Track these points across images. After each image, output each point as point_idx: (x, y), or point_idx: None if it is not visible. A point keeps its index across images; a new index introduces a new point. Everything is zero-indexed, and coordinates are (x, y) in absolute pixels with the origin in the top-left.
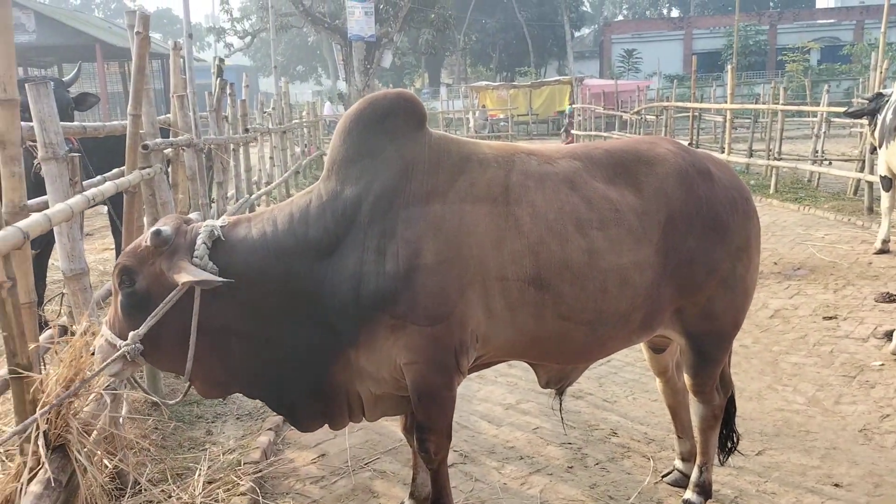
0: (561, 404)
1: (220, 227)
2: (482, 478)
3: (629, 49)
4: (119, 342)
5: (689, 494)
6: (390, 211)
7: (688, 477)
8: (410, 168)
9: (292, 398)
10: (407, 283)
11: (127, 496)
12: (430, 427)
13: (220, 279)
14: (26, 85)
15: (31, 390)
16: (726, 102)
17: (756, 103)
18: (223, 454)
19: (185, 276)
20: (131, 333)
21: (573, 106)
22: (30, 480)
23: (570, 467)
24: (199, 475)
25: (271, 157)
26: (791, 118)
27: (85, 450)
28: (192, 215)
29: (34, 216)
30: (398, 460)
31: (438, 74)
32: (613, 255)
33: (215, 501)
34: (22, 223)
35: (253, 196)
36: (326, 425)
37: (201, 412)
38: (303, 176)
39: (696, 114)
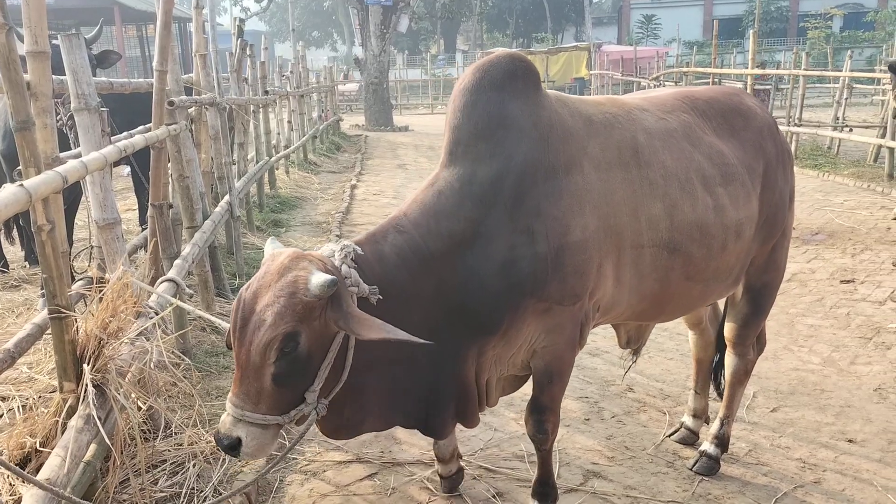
0: (635, 362)
1: (350, 243)
2: (501, 428)
3: (648, 15)
4: (291, 413)
5: (706, 446)
6: (533, 186)
7: (695, 434)
8: (546, 136)
9: (427, 409)
10: (557, 264)
11: (159, 437)
12: (551, 407)
13: (414, 337)
14: (59, 36)
15: (71, 330)
16: (747, 68)
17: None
18: None
19: (378, 332)
20: (310, 392)
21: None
22: (67, 418)
23: (587, 419)
24: None
25: (289, 122)
26: (812, 85)
27: (122, 390)
28: (320, 249)
29: (71, 162)
30: None
31: (454, 41)
32: (734, 211)
33: None
34: (60, 168)
35: (272, 159)
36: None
37: (227, 363)
38: (320, 141)
39: (717, 80)
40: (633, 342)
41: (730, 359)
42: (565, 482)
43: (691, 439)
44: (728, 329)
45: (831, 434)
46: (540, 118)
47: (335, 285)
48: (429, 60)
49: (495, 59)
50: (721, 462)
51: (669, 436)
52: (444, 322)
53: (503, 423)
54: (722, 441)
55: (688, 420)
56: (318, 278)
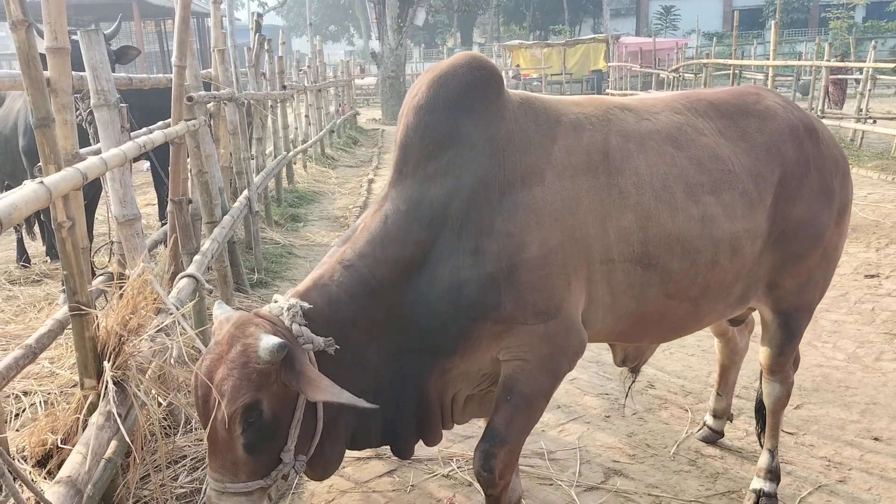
0: (633, 382)
1: (296, 301)
2: None
3: (667, 6)
4: (275, 472)
5: (759, 483)
6: (486, 204)
7: (718, 433)
8: (502, 149)
9: (396, 430)
10: (511, 283)
11: (179, 433)
12: (504, 437)
13: (363, 402)
14: (78, 32)
15: (92, 327)
16: (767, 60)
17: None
18: None
19: (325, 394)
20: (285, 452)
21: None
22: (88, 414)
23: (608, 416)
24: None
25: (307, 116)
26: (834, 76)
27: (142, 387)
28: (266, 308)
29: (91, 159)
30: None
31: (471, 33)
32: (727, 223)
33: None
34: (80, 164)
35: (290, 154)
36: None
37: None
38: (337, 135)
39: (737, 71)
40: (629, 360)
41: (770, 387)
42: (586, 480)
43: (714, 438)
44: (764, 356)
45: (857, 432)
46: (497, 131)
47: (285, 349)
48: (445, 54)
49: (451, 69)
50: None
51: (695, 433)
52: (404, 346)
53: None
54: (775, 474)
55: (710, 420)
56: (267, 343)
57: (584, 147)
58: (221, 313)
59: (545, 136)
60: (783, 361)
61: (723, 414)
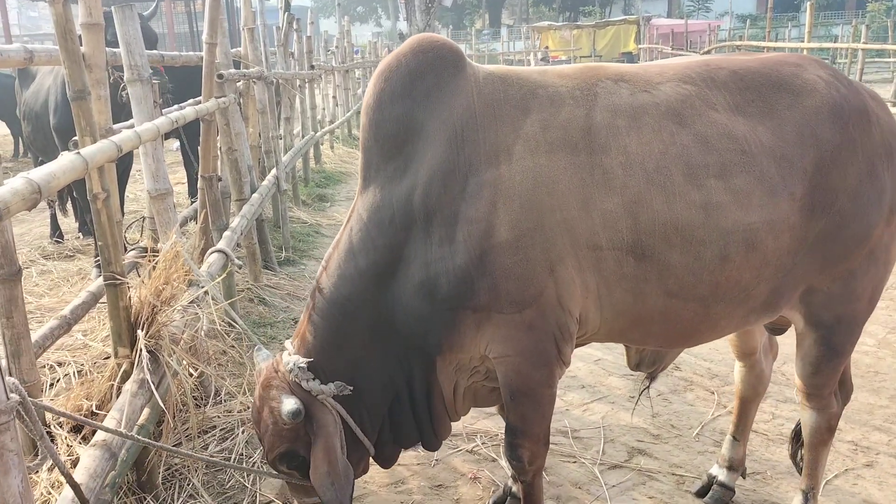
0: (649, 388)
1: (293, 361)
2: None
3: None
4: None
5: None
6: (446, 192)
7: (730, 491)
8: (461, 129)
9: (421, 427)
10: (482, 269)
11: (209, 404)
12: (524, 431)
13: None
14: (113, 8)
15: (126, 297)
16: (802, 42)
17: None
18: None
19: (316, 479)
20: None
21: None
22: (122, 382)
23: (632, 397)
24: None
25: (334, 97)
26: (871, 60)
27: (175, 356)
28: (283, 358)
29: (125, 132)
30: None
31: (499, 15)
32: (740, 211)
33: None
34: (115, 137)
35: (318, 134)
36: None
37: (274, 333)
38: None
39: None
40: (645, 365)
41: (805, 414)
42: (609, 458)
43: (726, 498)
44: (798, 374)
45: (885, 417)
46: (452, 112)
47: (300, 414)
48: (473, 35)
49: (394, 60)
50: None
51: (696, 492)
52: (401, 350)
53: None
54: None
55: (719, 472)
56: (286, 409)
57: (561, 122)
58: (260, 360)
59: (516, 108)
60: (819, 384)
61: (739, 465)
